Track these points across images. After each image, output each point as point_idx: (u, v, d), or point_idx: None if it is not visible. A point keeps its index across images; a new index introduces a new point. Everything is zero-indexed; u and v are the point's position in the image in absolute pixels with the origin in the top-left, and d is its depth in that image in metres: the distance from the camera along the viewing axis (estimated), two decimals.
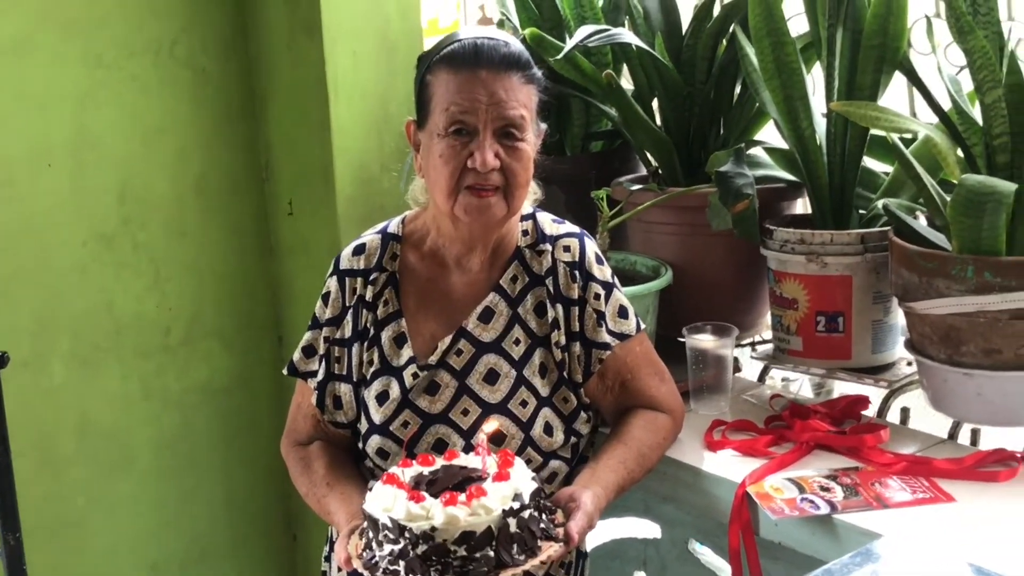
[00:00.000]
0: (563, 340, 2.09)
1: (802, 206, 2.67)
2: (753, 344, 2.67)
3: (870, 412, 2.40)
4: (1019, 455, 2.15)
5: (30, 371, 2.63)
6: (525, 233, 2.14)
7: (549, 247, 2.12)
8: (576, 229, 2.17)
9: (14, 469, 2.10)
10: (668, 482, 2.26)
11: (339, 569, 2.17)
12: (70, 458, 2.75)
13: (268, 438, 2.95)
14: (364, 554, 1.86)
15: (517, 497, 1.83)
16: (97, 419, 2.78)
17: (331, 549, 2.25)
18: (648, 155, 2.77)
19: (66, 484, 2.75)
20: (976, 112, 2.21)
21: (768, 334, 2.64)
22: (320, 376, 2.14)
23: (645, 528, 2.53)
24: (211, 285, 2.92)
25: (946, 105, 2.28)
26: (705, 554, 2.42)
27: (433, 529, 1.78)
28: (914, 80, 2.37)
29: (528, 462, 1.97)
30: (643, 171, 2.85)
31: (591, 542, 2.52)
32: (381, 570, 1.82)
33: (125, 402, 2.82)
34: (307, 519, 3.04)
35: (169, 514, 2.93)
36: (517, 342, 2.09)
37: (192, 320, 2.90)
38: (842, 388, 2.60)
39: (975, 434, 2.33)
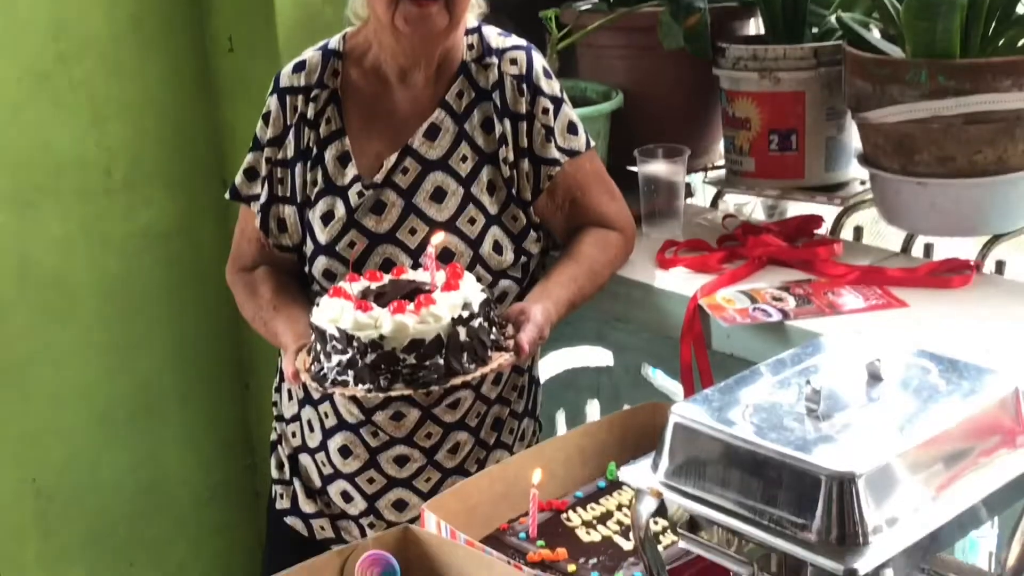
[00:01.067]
0: (511, 156, 2.05)
1: (754, 27, 2.62)
2: (706, 169, 2.64)
3: (823, 231, 2.39)
4: (972, 262, 2.15)
5: None
6: (471, 47, 2.08)
7: (496, 60, 2.07)
8: (523, 42, 2.12)
9: None
10: (620, 302, 2.25)
11: (289, 397, 2.16)
12: (11, 303, 2.71)
13: (215, 286, 2.89)
14: (312, 367, 1.84)
15: (467, 306, 1.81)
16: (38, 263, 2.73)
17: (281, 380, 2.22)
18: None
19: (7, 330, 2.71)
20: None
21: (721, 161, 2.61)
22: (263, 199, 2.10)
23: (598, 356, 2.52)
24: (152, 125, 2.85)
25: None
26: (658, 378, 2.41)
27: (382, 338, 1.76)
28: None
29: (478, 280, 1.95)
30: None
31: (544, 372, 2.52)
32: (330, 381, 1.80)
33: (66, 246, 2.77)
34: (259, 368, 3.01)
35: (115, 362, 2.89)
36: (464, 159, 2.05)
37: (133, 162, 2.83)
38: (795, 211, 2.58)
39: (928, 248, 2.33)
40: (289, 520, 2.21)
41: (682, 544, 1.46)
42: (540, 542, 1.66)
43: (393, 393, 1.76)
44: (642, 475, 1.43)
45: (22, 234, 2.69)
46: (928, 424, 1.35)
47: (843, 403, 1.39)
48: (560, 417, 2.64)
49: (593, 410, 2.58)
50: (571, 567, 1.60)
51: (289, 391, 2.19)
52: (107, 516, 2.92)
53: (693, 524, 1.39)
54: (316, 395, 2.08)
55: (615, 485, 1.79)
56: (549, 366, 2.56)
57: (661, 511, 1.42)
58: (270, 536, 2.29)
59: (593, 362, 2.53)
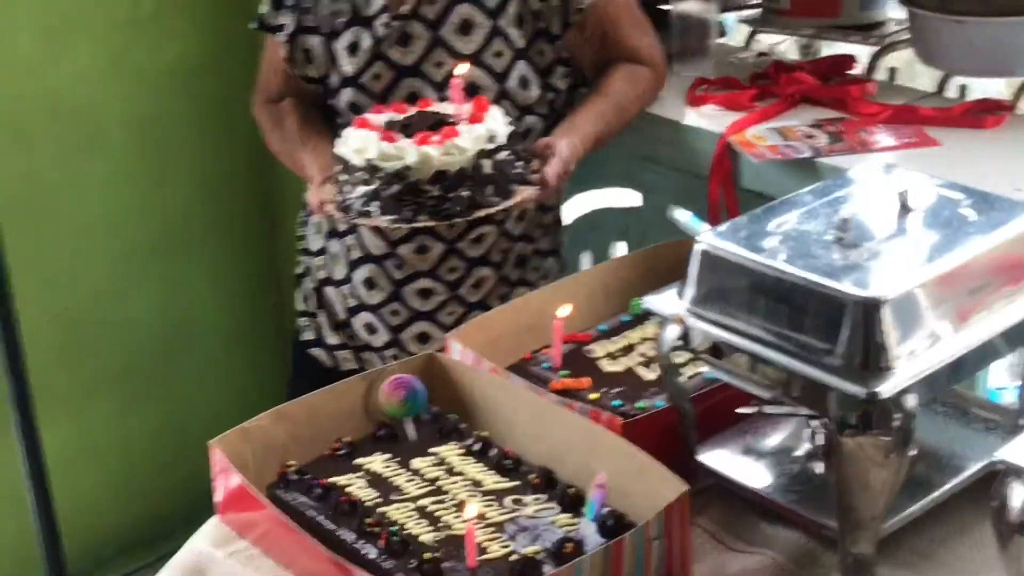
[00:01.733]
0: None
1: None
2: (740, 7, 2.59)
3: (857, 71, 2.34)
4: (1007, 102, 2.12)
5: None
6: None
7: None
8: None
9: None
10: (649, 140, 2.23)
11: (316, 230, 2.16)
12: (41, 135, 2.70)
13: (244, 125, 2.88)
14: (338, 199, 1.83)
15: (492, 139, 1.80)
16: (67, 95, 2.72)
17: (307, 214, 2.22)
18: None
19: (37, 162, 2.70)
20: None
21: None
22: (289, 28, 2.07)
23: (625, 197, 2.51)
24: None
25: None
26: (685, 218, 2.40)
27: (406, 168, 1.75)
28: None
29: (504, 114, 1.92)
30: None
31: (570, 213, 2.51)
32: (355, 211, 1.79)
33: (95, 78, 2.75)
34: (284, 204, 3.00)
35: (143, 197, 2.89)
36: None
37: None
38: (829, 51, 2.53)
39: (963, 89, 2.29)
40: (314, 351, 2.23)
41: (705, 372, 1.47)
42: (563, 371, 1.66)
43: (417, 225, 1.76)
44: (667, 303, 1.43)
45: (51, 66, 2.67)
46: (955, 254, 1.34)
47: (872, 232, 1.38)
48: (586, 259, 2.64)
49: (620, 252, 2.57)
50: (593, 395, 1.60)
51: (316, 224, 2.19)
52: (136, 350, 2.96)
53: (716, 350, 1.39)
54: (341, 227, 2.08)
55: (638, 320, 1.79)
56: (576, 207, 2.54)
57: (685, 340, 1.42)
58: (295, 368, 2.31)
59: (621, 203, 2.51)
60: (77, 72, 2.71)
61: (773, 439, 1.55)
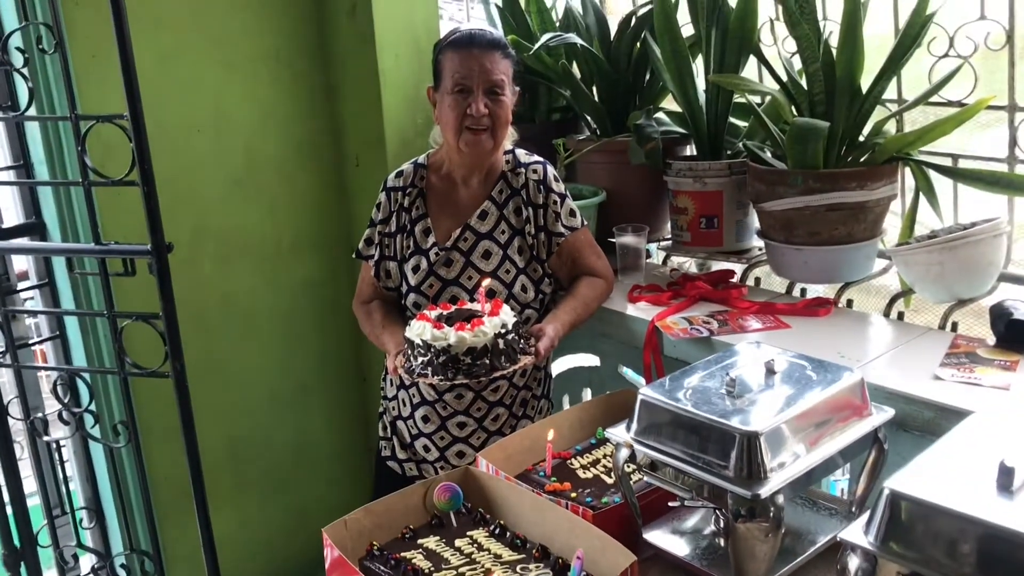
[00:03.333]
0: (533, 231, 2.04)
1: (690, 149, 2.60)
2: (659, 240, 2.61)
3: (735, 279, 2.35)
4: (831, 300, 2.12)
5: (188, 266, 2.57)
6: (508, 162, 2.08)
7: (523, 170, 2.06)
8: (541, 159, 2.11)
9: (180, 331, 2.04)
10: (604, 323, 2.22)
11: (391, 384, 2.14)
12: (217, 326, 2.71)
13: (346, 317, 2.90)
14: (405, 365, 1.82)
15: (504, 326, 1.79)
16: (234, 300, 2.73)
17: (386, 373, 2.21)
18: (589, 119, 2.70)
19: (215, 344, 2.70)
20: (803, 80, 2.15)
21: (668, 234, 2.58)
22: (376, 257, 2.09)
23: (590, 359, 2.49)
24: (306, 214, 2.85)
25: (784, 76, 2.21)
26: (629, 374, 2.38)
27: (449, 346, 1.74)
28: (763, 61, 2.30)
29: (511, 310, 1.92)
30: (586, 132, 2.78)
31: (555, 369, 2.49)
32: (416, 373, 1.78)
33: (253, 290, 2.77)
34: (372, 368, 3.00)
35: (282, 365, 2.87)
36: (503, 232, 2.04)
37: (295, 236, 2.83)
38: (717, 267, 2.55)
39: (803, 291, 2.29)
40: (390, 464, 2.19)
41: (646, 479, 1.44)
42: (553, 478, 1.63)
43: (456, 382, 1.75)
44: (620, 434, 1.41)
45: (225, 281, 2.69)
46: (804, 401, 1.32)
47: (750, 387, 1.37)
48: (565, 399, 2.61)
49: (586, 395, 2.54)
50: (573, 494, 1.56)
51: (391, 380, 2.17)
52: (273, 463, 2.90)
53: (653, 465, 1.36)
54: (407, 382, 2.07)
55: (602, 443, 1.76)
56: (558, 366, 2.53)
57: (632, 458, 1.39)
58: (376, 475, 2.26)
59: (586, 363, 2.49)
60: (241, 285, 2.72)
61: (691, 522, 1.51)
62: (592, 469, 1.66)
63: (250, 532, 2.87)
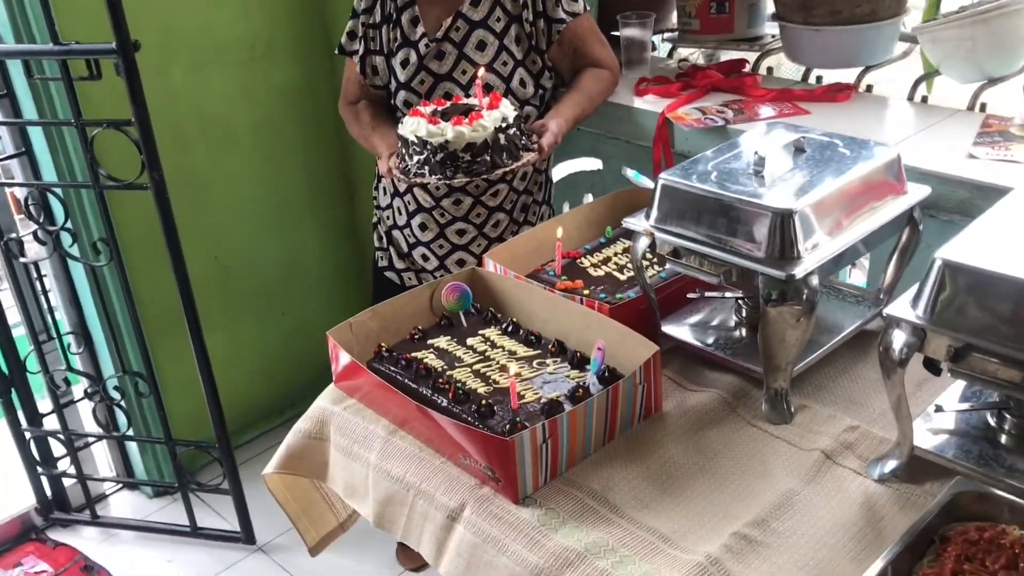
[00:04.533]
0: (531, 17, 1.89)
1: None
2: (663, 32, 2.46)
3: (747, 69, 2.22)
4: (852, 84, 2.01)
5: (158, 75, 2.40)
6: None
7: None
8: None
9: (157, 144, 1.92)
10: (608, 119, 2.11)
11: (384, 192, 2.05)
12: (194, 139, 2.57)
13: (331, 128, 2.78)
14: (400, 166, 1.73)
15: (504, 119, 1.68)
16: (210, 111, 2.58)
17: (378, 180, 2.11)
18: None
19: (193, 159, 2.58)
20: None
21: (674, 24, 2.42)
22: (360, 52, 1.95)
23: (591, 163, 2.39)
24: (282, 13, 2.64)
25: None
26: (634, 175, 2.28)
27: (446, 142, 1.64)
28: None
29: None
30: None
31: (555, 174, 2.40)
32: (412, 174, 1.69)
33: (229, 99, 2.61)
34: (360, 186, 2.89)
35: (264, 179, 2.77)
36: (499, 20, 1.89)
37: (271, 39, 2.65)
38: (727, 56, 2.41)
39: (819, 79, 2.17)
40: (388, 275, 2.13)
41: (668, 268, 1.38)
42: (563, 277, 1.57)
43: (455, 181, 1.65)
44: (639, 222, 1.34)
45: (198, 91, 2.53)
46: (838, 179, 1.25)
47: (778, 167, 1.29)
48: (566, 206, 2.53)
49: (588, 200, 2.46)
50: (586, 291, 1.51)
51: (384, 188, 2.08)
52: (266, 281, 2.85)
53: (676, 253, 1.29)
54: (402, 187, 1.97)
55: (612, 241, 1.70)
56: (558, 172, 2.43)
57: (652, 248, 1.32)
58: (375, 287, 2.21)
59: (588, 167, 2.40)
60: (215, 95, 2.58)
61: (711, 315, 1.47)
62: (603, 267, 1.60)
63: (245, 356, 2.85)
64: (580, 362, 1.32)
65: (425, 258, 2.04)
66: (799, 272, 1.15)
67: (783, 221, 1.16)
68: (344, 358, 1.34)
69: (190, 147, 2.56)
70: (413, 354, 1.37)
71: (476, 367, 1.33)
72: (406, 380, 1.31)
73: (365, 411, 1.35)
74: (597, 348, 1.26)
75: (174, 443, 2.38)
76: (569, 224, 1.71)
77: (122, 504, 2.70)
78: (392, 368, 1.35)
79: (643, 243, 1.32)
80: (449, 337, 1.42)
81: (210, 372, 2.24)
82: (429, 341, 1.41)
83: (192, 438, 2.47)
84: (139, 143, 1.92)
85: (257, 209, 2.77)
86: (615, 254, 1.65)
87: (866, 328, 1.41)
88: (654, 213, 1.31)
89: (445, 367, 1.34)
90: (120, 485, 2.74)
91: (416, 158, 1.68)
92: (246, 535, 2.46)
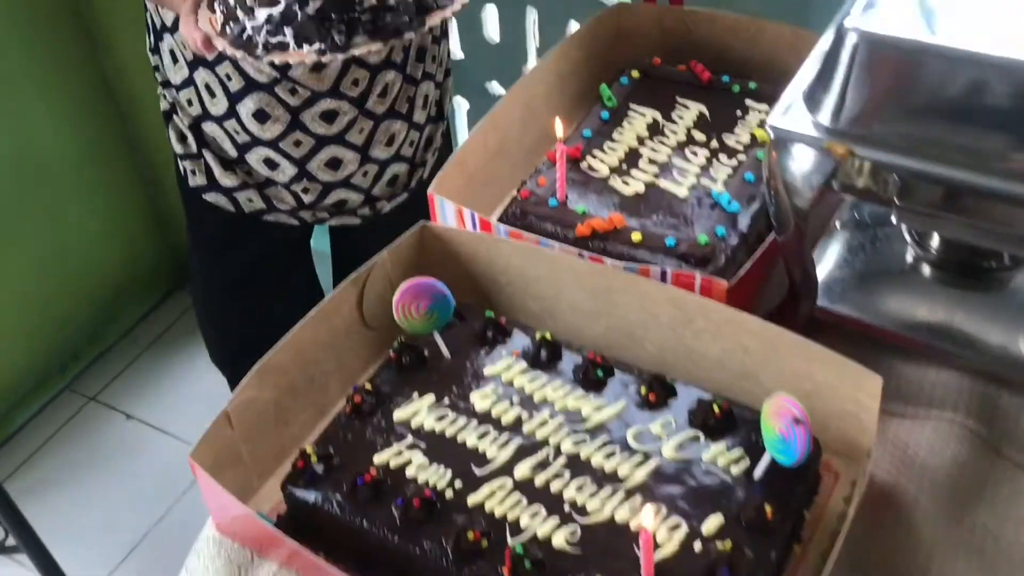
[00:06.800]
0: None
1: None
2: None
3: None
4: None
5: None
6: None
7: None
8: None
9: None
10: None
11: (173, 59, 1.24)
12: None
13: None
14: (228, 28, 0.92)
15: None
16: None
17: (157, 39, 1.26)
18: None
19: None
20: None
21: None
22: None
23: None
24: None
25: None
26: None
27: None
28: None
29: None
30: None
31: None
32: (260, 46, 0.90)
33: None
34: (108, 19, 1.91)
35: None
36: None
37: None
38: None
39: None
40: (209, 197, 1.32)
41: (893, 218, 0.73)
42: (580, 207, 0.89)
43: (356, 52, 0.88)
44: (800, 121, 0.66)
45: None
46: None
47: None
48: (460, 108, 1.70)
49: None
50: (635, 235, 0.85)
51: (172, 52, 1.24)
52: None
53: (905, 189, 0.64)
54: (239, 57, 1.14)
55: (619, 113, 1.01)
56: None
57: (834, 174, 0.66)
58: (191, 216, 1.40)
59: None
60: None
61: (870, 261, 0.85)
62: (636, 173, 0.93)
63: None
64: (721, 422, 0.67)
65: (271, 165, 1.25)
66: None
67: None
68: (233, 511, 0.63)
69: None
70: (377, 457, 0.68)
71: (522, 472, 0.66)
72: (381, 531, 0.63)
73: None
74: (786, 417, 0.61)
75: None
76: (536, 95, 1.02)
77: None
78: (338, 499, 0.65)
79: (825, 167, 0.66)
80: (432, 396, 0.72)
81: None
82: (398, 414, 0.71)
83: None
84: None
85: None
86: (639, 140, 0.97)
87: None
88: (849, 103, 0.63)
89: (459, 484, 0.65)
90: None
91: (264, 12, 0.89)
92: None
